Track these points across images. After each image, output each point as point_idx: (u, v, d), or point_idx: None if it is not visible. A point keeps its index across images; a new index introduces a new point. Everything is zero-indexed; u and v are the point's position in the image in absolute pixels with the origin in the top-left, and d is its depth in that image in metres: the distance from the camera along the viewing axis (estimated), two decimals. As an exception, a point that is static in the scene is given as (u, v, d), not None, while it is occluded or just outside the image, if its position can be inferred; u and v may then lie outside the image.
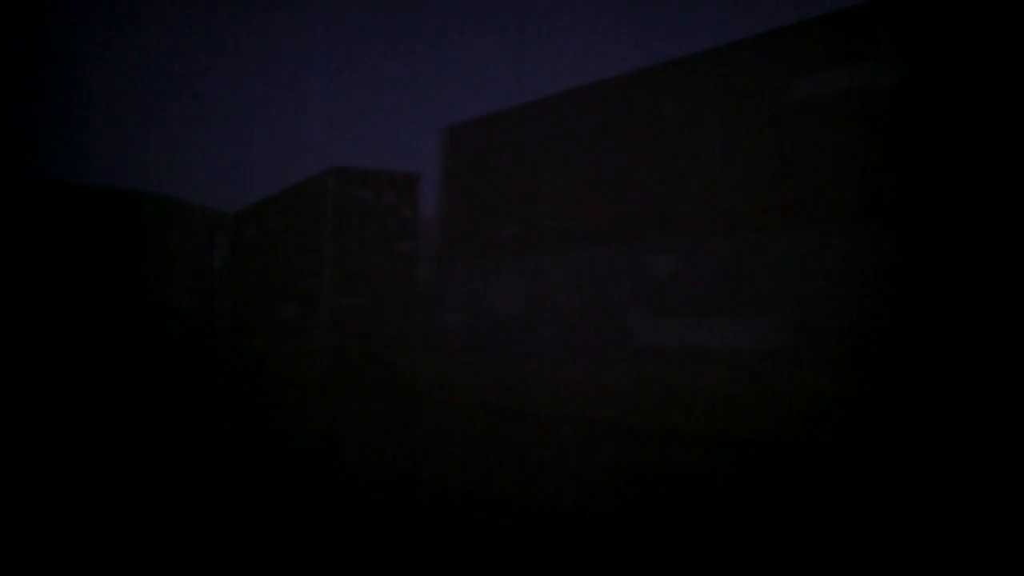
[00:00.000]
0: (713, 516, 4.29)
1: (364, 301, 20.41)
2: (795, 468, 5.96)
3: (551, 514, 4.37)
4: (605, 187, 11.06)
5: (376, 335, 18.11)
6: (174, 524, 3.82)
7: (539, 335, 11.83)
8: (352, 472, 5.54)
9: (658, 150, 10.40)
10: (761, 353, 9.07)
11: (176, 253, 32.53)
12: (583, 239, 11.28)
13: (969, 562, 3.44)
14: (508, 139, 12.83)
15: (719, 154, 9.62)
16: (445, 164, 14.29)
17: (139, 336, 27.59)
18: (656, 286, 10.21)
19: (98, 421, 7.84)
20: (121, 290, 28.51)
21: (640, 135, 10.67)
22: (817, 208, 8.63)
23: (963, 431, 6.86)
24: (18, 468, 5.06)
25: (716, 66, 9.78)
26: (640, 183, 10.58)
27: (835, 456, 6.73)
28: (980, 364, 7.33)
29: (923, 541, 3.81)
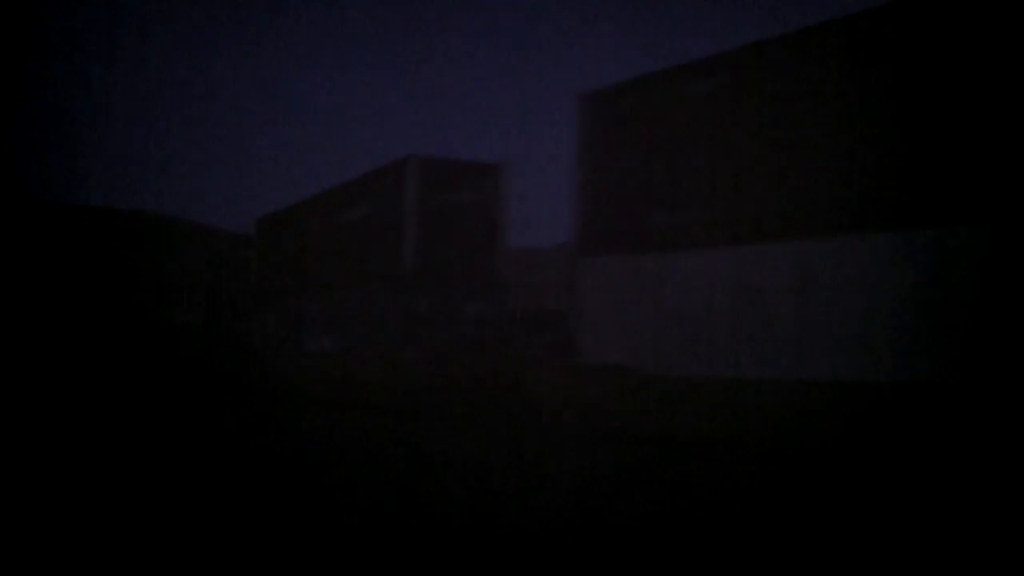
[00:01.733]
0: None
1: (255, 326, 29.61)
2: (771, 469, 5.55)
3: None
4: (304, 259, 19.67)
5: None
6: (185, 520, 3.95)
7: (294, 343, 20.45)
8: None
9: (324, 245, 18.97)
10: (342, 351, 17.52)
11: (179, 272, 38.17)
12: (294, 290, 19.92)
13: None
14: (284, 225, 21.54)
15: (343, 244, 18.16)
16: (257, 241, 23.19)
17: (144, 353, 34.96)
18: (309, 319, 18.77)
19: (103, 421, 8.37)
20: (126, 309, 34.01)
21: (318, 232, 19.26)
22: (359, 280, 17.07)
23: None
24: (27, 468, 5.19)
25: (360, 190, 18.35)
26: (311, 261, 19.15)
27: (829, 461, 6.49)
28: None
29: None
